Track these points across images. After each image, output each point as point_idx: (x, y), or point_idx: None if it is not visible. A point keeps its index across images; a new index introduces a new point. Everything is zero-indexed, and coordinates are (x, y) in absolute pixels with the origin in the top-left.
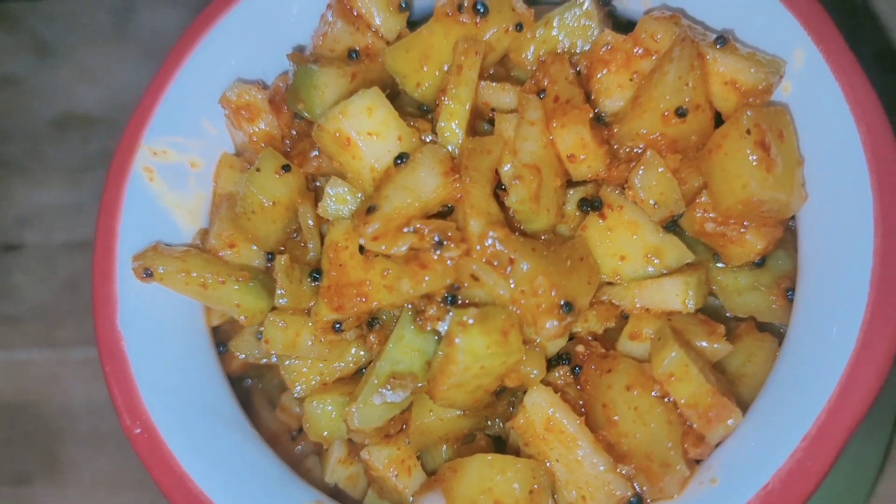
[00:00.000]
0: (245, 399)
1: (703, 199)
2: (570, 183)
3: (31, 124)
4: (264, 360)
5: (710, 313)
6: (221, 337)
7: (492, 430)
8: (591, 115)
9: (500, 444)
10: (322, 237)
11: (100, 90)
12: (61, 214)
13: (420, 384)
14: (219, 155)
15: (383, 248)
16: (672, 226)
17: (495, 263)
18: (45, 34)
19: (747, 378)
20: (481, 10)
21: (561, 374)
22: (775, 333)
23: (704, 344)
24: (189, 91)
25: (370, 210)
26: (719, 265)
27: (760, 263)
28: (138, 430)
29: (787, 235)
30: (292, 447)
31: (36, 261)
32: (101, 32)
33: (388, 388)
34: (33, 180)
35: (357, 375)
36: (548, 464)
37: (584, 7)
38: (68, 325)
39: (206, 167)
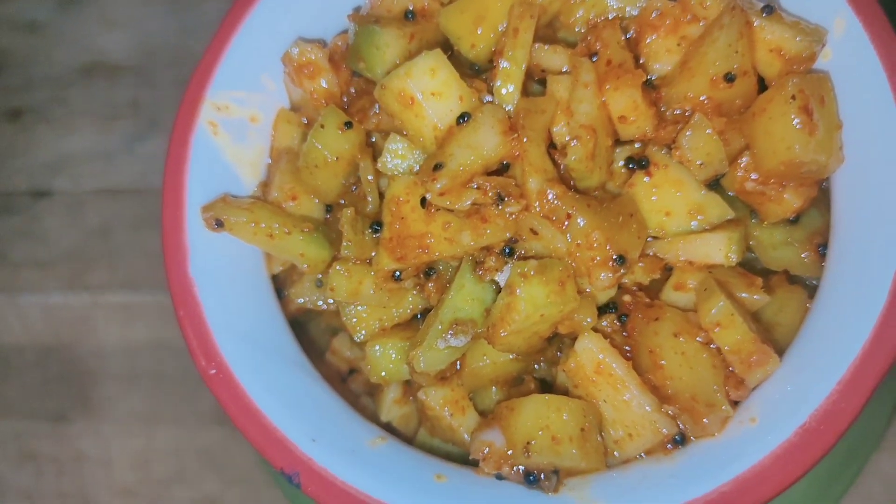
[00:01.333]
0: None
1: (743, 160)
2: (618, 141)
3: (57, 71)
4: (322, 305)
5: (747, 266)
6: (277, 284)
7: (538, 373)
8: (643, 80)
9: (546, 386)
10: (380, 190)
11: (125, 37)
12: (90, 161)
13: (479, 330)
14: (276, 110)
15: (449, 203)
16: (714, 184)
17: (553, 218)
18: None
19: (780, 326)
20: None
21: (609, 321)
22: (805, 286)
23: (744, 295)
24: (250, 48)
25: (437, 167)
26: (755, 221)
27: (795, 220)
28: (213, 371)
29: (819, 194)
30: (344, 389)
31: (65, 207)
32: None
33: (451, 333)
34: (61, 127)
35: (413, 321)
36: (596, 404)
37: None
38: (100, 269)
39: (265, 122)
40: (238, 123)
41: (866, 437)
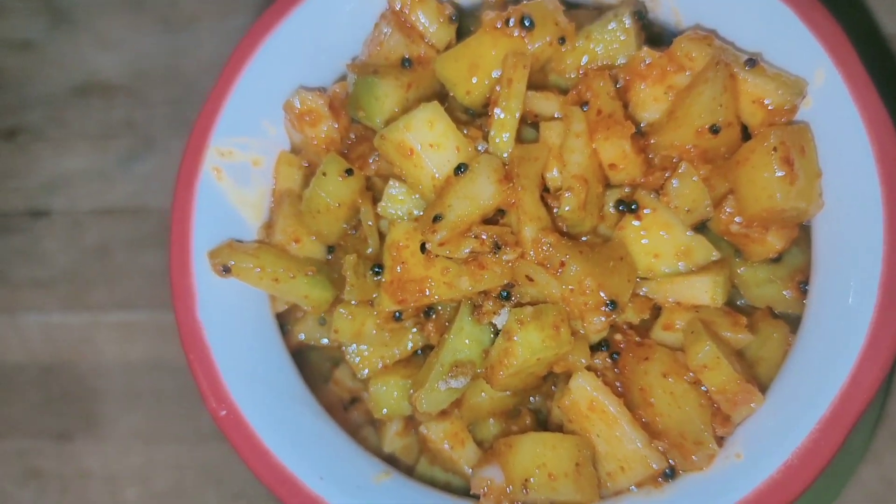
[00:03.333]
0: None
1: (727, 203)
2: (608, 185)
3: (52, 91)
4: (324, 342)
5: (731, 302)
6: (280, 319)
7: (534, 405)
8: (632, 131)
9: (540, 416)
10: (380, 234)
11: (118, 57)
12: (87, 181)
13: (478, 370)
14: (277, 152)
15: (448, 252)
16: (701, 227)
17: (548, 265)
18: (57, 0)
19: (763, 361)
20: (528, 25)
21: (601, 359)
22: (786, 320)
23: (729, 334)
24: (251, 95)
25: (436, 219)
26: (738, 260)
27: (777, 259)
28: (224, 412)
29: (800, 233)
30: (346, 417)
31: (64, 227)
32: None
33: (452, 375)
34: (57, 147)
35: (413, 357)
36: (590, 438)
37: (626, 24)
38: (99, 289)
39: (266, 164)
40: (241, 167)
41: (851, 451)
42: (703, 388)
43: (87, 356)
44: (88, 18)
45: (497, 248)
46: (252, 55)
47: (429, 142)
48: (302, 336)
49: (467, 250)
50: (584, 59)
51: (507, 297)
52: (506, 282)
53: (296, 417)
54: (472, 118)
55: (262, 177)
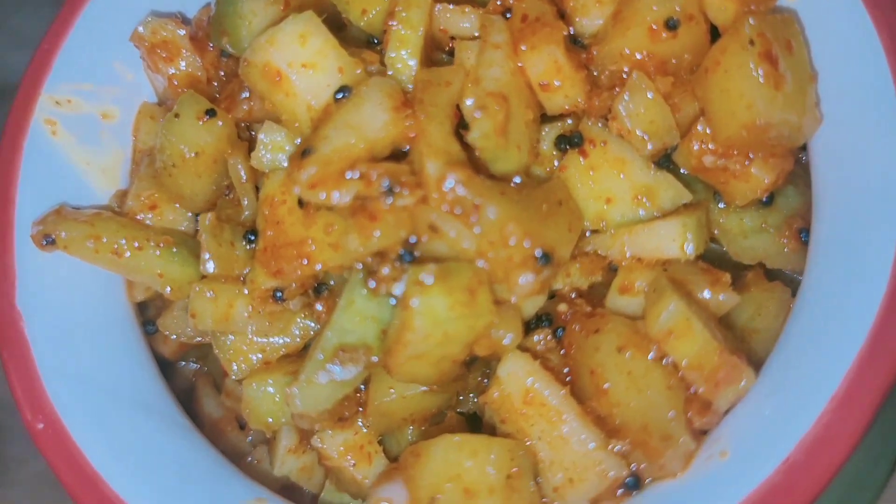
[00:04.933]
0: (189, 384)
1: (700, 129)
2: (546, 118)
3: None
4: (198, 339)
5: (713, 261)
6: (153, 314)
7: (465, 406)
8: (564, 34)
9: (477, 423)
10: (258, 193)
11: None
12: None
13: (375, 357)
14: (138, 105)
15: (323, 196)
16: (665, 161)
17: (458, 211)
18: None
19: (758, 333)
20: None
21: (541, 337)
22: (786, 282)
23: (708, 295)
24: (97, 30)
25: (305, 153)
26: (721, 205)
27: (768, 202)
28: (41, 426)
29: (796, 168)
30: (242, 436)
31: None
32: None
33: (337, 362)
34: None
35: (306, 351)
36: (528, 442)
37: None
38: None
39: (124, 119)
40: (85, 121)
41: (863, 484)
42: (671, 364)
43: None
44: (4, 19)
45: (390, 190)
46: None
47: (301, 61)
48: (169, 333)
49: (349, 195)
50: None
51: (411, 259)
52: (405, 235)
53: (144, 435)
54: (375, 47)
55: (118, 134)
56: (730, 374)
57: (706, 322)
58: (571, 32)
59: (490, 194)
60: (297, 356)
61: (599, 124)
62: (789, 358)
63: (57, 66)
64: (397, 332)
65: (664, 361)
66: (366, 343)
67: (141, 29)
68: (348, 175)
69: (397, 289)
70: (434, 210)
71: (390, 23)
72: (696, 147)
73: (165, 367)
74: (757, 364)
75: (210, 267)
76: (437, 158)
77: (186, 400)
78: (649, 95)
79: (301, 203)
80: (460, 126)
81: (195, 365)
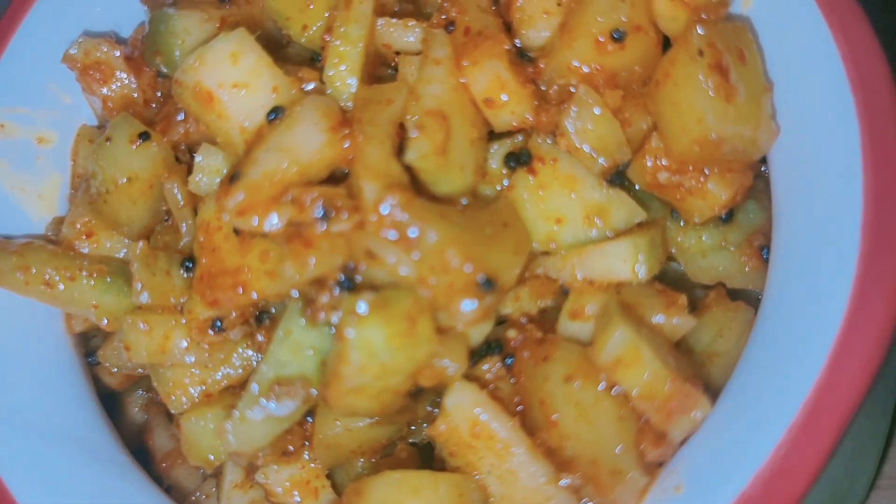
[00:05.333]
0: (140, 415)
1: (654, 145)
2: (495, 136)
3: None
4: (140, 371)
5: (672, 282)
6: (97, 345)
7: (418, 436)
8: (507, 47)
9: (429, 454)
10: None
11: None
12: None
13: (315, 390)
14: (76, 128)
15: (255, 223)
16: (618, 178)
17: (394, 236)
18: None
19: (719, 357)
20: None
21: (490, 366)
22: (750, 301)
23: (661, 319)
24: (29, 52)
25: (234, 178)
26: (679, 223)
27: (727, 218)
28: None
29: (758, 183)
30: (194, 469)
31: None
32: None
33: (272, 397)
34: None
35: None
36: (478, 477)
37: None
38: None
39: (62, 143)
40: (20, 146)
41: (855, 474)
42: (622, 394)
43: None
44: None
45: (325, 216)
46: (33, 3)
47: (232, 81)
48: (109, 365)
49: (280, 221)
50: None
51: (350, 287)
52: (342, 262)
53: (78, 475)
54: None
55: (55, 159)
56: (683, 403)
57: (657, 349)
58: (518, 45)
59: (430, 217)
60: (241, 388)
61: (549, 141)
62: (747, 384)
63: None
64: (334, 364)
65: (614, 391)
66: (304, 375)
67: (73, 50)
68: (281, 200)
69: (336, 317)
70: (371, 235)
71: (327, 38)
72: (649, 163)
73: (117, 397)
74: (716, 391)
75: (143, 298)
76: (375, 181)
77: (140, 430)
78: (596, 111)
79: (236, 230)
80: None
81: (142, 392)
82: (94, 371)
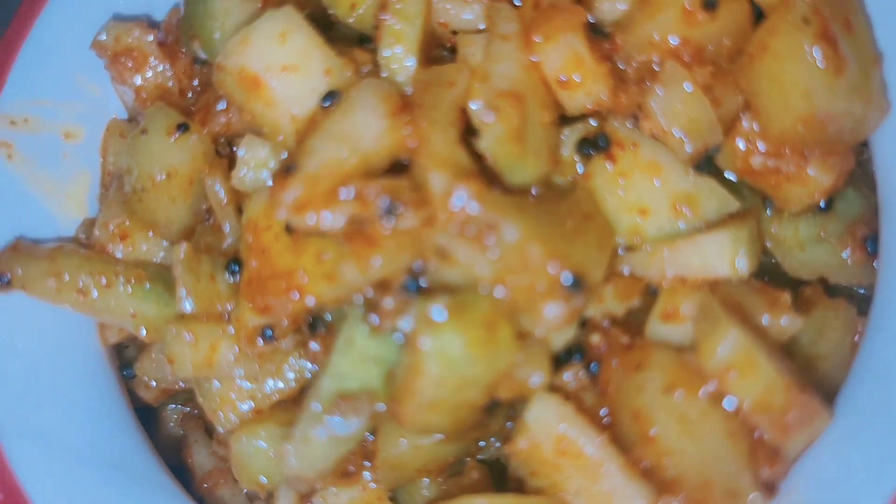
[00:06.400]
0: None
1: (746, 126)
2: (566, 120)
3: None
4: (181, 384)
5: (763, 277)
6: (131, 356)
7: (487, 452)
8: (584, 20)
9: (500, 471)
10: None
11: None
12: None
13: (381, 405)
14: (106, 122)
15: (312, 220)
16: (707, 165)
17: (470, 232)
18: None
19: (823, 360)
20: None
21: (573, 374)
22: (849, 298)
23: (767, 319)
24: (54, 40)
25: (289, 170)
26: (770, 213)
27: (826, 207)
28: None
29: (855, 168)
30: (237, 490)
31: None
32: None
33: (337, 414)
34: None
35: (303, 396)
36: (566, 499)
37: None
38: None
39: (90, 138)
40: (45, 142)
41: None
42: (732, 405)
43: None
44: None
45: (390, 211)
46: None
47: (281, 64)
48: (148, 379)
49: (343, 217)
50: None
51: (417, 290)
52: (410, 264)
53: (118, 499)
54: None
55: (84, 155)
56: (802, 416)
57: (770, 354)
58: (591, 20)
59: (507, 210)
60: (294, 402)
61: (628, 124)
62: (868, 391)
63: (10, 82)
64: (406, 377)
65: (724, 403)
66: (369, 389)
67: (102, 36)
68: (341, 194)
69: (403, 324)
70: (442, 232)
71: (383, 17)
72: (742, 147)
73: (151, 411)
74: (827, 398)
75: (187, 306)
76: (442, 170)
77: (176, 447)
78: (687, 88)
79: (288, 228)
80: (468, 132)
81: (178, 407)
82: (129, 385)
